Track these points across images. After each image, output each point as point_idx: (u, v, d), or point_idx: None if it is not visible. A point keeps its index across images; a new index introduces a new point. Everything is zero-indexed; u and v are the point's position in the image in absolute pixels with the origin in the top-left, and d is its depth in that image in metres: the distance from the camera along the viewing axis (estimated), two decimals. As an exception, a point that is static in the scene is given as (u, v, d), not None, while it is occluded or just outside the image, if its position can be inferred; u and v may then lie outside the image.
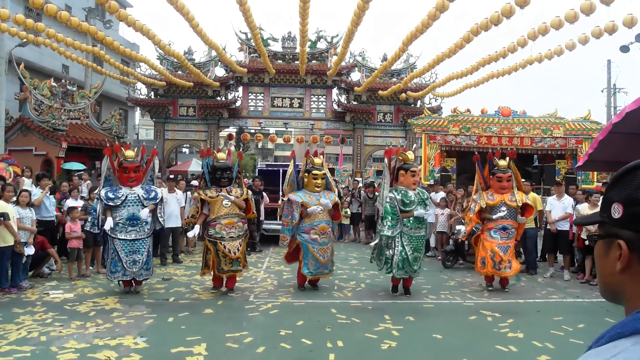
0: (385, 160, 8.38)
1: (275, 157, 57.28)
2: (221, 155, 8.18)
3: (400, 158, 8.02)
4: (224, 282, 8.04)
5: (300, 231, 8.07)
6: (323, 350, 5.33)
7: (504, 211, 8.33)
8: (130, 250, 7.56)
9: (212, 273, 7.88)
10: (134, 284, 7.85)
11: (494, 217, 8.35)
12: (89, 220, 8.13)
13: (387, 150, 8.39)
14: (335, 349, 5.37)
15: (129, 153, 7.97)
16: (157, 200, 8.00)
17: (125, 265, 7.50)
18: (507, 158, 8.60)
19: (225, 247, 7.64)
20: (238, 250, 7.73)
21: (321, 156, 8.56)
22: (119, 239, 7.54)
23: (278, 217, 13.32)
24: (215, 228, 7.68)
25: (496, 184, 8.49)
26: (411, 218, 7.70)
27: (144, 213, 7.68)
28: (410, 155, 8.12)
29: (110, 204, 7.62)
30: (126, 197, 7.68)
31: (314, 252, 7.98)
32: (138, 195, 7.79)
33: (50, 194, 9.32)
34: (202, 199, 7.78)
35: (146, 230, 7.77)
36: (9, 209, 7.58)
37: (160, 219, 8.14)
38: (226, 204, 7.77)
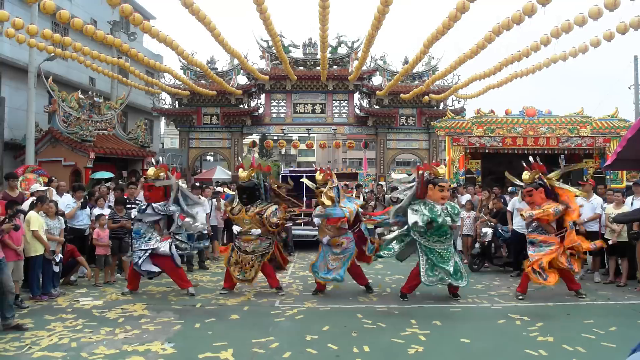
0: (415, 173, 8.24)
1: (299, 163, 57.47)
2: (241, 174, 8.51)
3: (431, 172, 7.98)
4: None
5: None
6: (349, 355, 5.32)
7: (533, 225, 8.14)
8: None
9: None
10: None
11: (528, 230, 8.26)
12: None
13: (421, 166, 8.35)
14: (361, 354, 5.35)
15: (150, 172, 8.46)
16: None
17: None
18: (531, 170, 8.26)
19: (239, 255, 8.26)
20: (248, 264, 8.20)
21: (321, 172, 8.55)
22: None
23: (302, 223, 13.40)
24: (239, 241, 8.37)
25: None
26: (429, 231, 7.77)
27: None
28: (441, 170, 8.06)
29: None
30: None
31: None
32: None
33: (82, 208, 9.53)
34: None
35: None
36: (40, 219, 7.75)
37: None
38: (246, 222, 8.29)
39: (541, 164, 8.26)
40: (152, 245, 8.09)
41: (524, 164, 8.40)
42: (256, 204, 8.30)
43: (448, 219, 7.71)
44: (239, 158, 16.92)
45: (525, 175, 8.26)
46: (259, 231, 8.18)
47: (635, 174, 15.13)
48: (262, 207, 8.21)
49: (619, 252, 9.18)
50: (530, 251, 8.04)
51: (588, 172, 15.41)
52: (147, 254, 8.05)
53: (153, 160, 10.87)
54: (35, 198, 8.27)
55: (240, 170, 8.57)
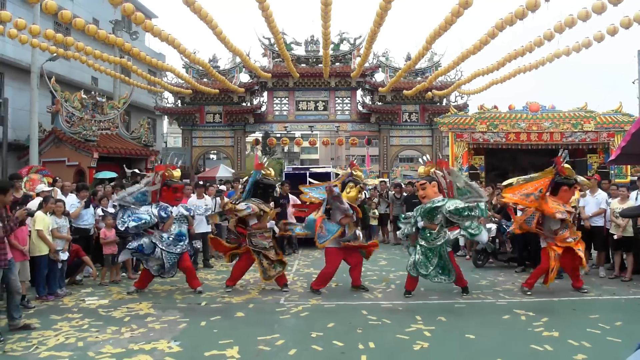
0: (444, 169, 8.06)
1: (302, 160, 57.47)
2: (265, 172, 8.65)
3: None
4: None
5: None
6: (355, 352, 5.33)
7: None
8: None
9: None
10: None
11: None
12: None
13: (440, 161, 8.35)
14: (366, 350, 5.36)
15: (177, 174, 8.47)
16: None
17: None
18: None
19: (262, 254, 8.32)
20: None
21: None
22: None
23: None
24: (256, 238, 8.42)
25: (569, 194, 8.16)
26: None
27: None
28: (420, 168, 8.32)
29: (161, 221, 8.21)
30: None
31: None
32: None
33: (86, 207, 9.54)
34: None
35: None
36: (46, 219, 7.78)
37: None
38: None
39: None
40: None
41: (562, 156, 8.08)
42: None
43: (421, 222, 7.81)
44: (247, 156, 16.94)
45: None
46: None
47: (639, 169, 15.10)
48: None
49: (624, 247, 9.16)
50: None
51: (592, 167, 15.37)
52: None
53: (156, 158, 10.88)
54: (42, 199, 8.30)
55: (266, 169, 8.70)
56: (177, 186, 8.39)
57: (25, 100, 18.00)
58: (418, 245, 7.90)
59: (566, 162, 8.04)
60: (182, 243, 8.25)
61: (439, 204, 7.68)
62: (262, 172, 8.53)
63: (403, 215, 8.68)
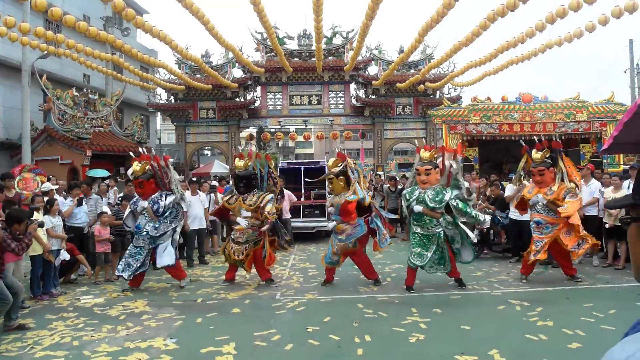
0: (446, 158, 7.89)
1: (296, 154, 57.39)
2: (238, 163, 8.57)
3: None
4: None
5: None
6: (351, 345, 5.34)
7: (539, 205, 8.11)
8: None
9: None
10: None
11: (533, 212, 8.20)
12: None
13: (442, 147, 8.28)
14: (363, 343, 5.38)
15: (135, 168, 8.37)
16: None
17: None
18: (544, 149, 8.19)
19: (232, 247, 8.29)
20: (242, 254, 8.21)
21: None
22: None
23: (302, 214, 13.44)
24: (234, 230, 8.47)
25: (533, 178, 8.23)
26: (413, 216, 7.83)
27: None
28: (423, 153, 7.96)
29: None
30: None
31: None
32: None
33: (78, 205, 9.49)
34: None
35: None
36: (41, 219, 7.75)
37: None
38: (243, 212, 8.35)
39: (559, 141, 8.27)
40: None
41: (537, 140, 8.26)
42: (253, 192, 8.39)
43: (418, 206, 7.66)
44: (242, 151, 16.95)
45: (536, 155, 8.17)
46: (244, 222, 8.27)
47: (632, 157, 15.15)
48: (259, 196, 8.31)
49: (617, 236, 9.21)
50: (536, 233, 8.05)
51: (585, 156, 15.42)
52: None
53: (132, 153, 10.72)
54: (46, 203, 8.35)
55: (237, 159, 8.68)
56: (137, 181, 8.35)
57: (17, 98, 17.87)
58: (412, 234, 7.86)
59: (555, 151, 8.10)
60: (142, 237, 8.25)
61: (447, 194, 7.66)
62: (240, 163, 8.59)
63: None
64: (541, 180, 8.08)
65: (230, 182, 12.49)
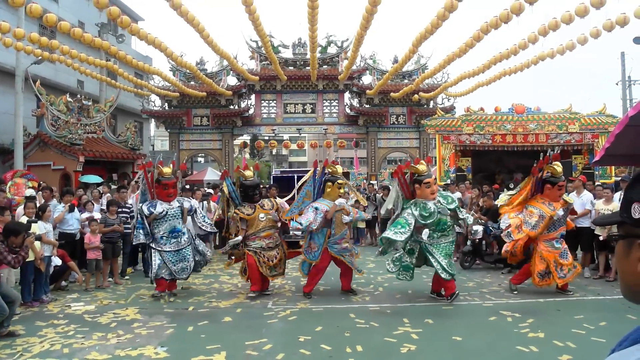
0: (396, 181, 7.98)
1: (290, 163, 57.45)
2: (249, 174, 8.72)
3: (412, 172, 7.87)
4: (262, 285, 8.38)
5: (332, 243, 8.14)
6: (342, 355, 5.34)
7: (563, 218, 8.10)
8: (177, 260, 8.26)
9: (248, 280, 8.31)
10: (166, 290, 8.29)
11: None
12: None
13: (395, 170, 8.18)
14: (354, 353, 5.37)
15: (167, 170, 8.51)
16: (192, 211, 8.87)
17: (174, 274, 8.22)
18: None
19: (264, 256, 8.21)
20: (276, 258, 8.32)
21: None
22: (165, 251, 8.21)
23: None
24: (256, 241, 8.25)
25: (555, 192, 8.02)
26: (432, 228, 7.59)
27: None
28: (421, 167, 7.87)
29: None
30: (167, 212, 8.29)
31: (346, 261, 8.17)
32: (177, 209, 8.45)
33: (70, 212, 9.44)
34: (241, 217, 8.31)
35: (185, 239, 8.43)
36: (34, 226, 7.70)
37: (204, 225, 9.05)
38: (262, 218, 8.29)
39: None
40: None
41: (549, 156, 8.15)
42: (261, 201, 8.59)
43: (444, 216, 7.62)
44: (235, 159, 16.96)
45: (559, 168, 8.06)
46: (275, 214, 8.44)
47: (623, 169, 15.27)
48: (268, 203, 8.55)
49: (609, 248, 9.25)
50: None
51: (577, 168, 15.53)
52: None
53: (143, 160, 10.90)
54: (39, 206, 8.32)
55: (247, 171, 8.81)
56: (167, 182, 8.41)
57: (10, 103, 17.80)
58: (437, 246, 7.65)
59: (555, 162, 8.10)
60: (178, 239, 8.30)
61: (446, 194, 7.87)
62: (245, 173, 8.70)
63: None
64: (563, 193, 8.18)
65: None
